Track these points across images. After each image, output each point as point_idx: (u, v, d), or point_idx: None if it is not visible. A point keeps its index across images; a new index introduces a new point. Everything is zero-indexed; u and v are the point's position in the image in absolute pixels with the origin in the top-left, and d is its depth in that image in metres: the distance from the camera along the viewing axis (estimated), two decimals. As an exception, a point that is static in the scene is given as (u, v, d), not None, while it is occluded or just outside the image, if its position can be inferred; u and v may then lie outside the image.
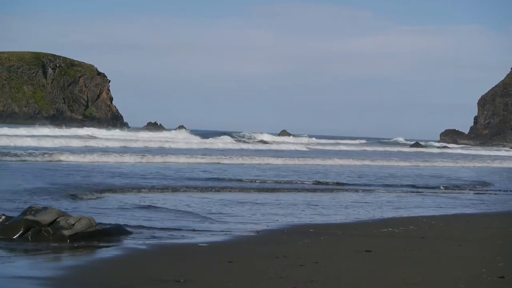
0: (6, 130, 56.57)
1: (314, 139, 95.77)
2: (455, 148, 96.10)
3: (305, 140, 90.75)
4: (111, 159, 33.26)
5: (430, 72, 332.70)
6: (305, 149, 66.99)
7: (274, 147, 66.06)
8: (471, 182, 29.16)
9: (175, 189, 20.53)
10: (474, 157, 64.78)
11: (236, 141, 74.30)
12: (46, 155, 31.60)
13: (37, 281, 8.36)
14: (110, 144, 49.83)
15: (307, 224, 14.11)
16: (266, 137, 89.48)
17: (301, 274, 8.97)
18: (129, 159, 34.08)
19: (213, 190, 21.00)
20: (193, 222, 13.89)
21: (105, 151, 38.99)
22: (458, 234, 13.27)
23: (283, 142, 78.19)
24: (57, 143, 45.25)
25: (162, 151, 44.28)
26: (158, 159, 35.40)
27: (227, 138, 76.04)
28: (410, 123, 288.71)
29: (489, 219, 16.30)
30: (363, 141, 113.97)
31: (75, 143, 46.39)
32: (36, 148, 37.63)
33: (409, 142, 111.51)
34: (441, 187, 25.75)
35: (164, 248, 10.76)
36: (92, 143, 48.31)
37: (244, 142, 74.17)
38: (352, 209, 17.44)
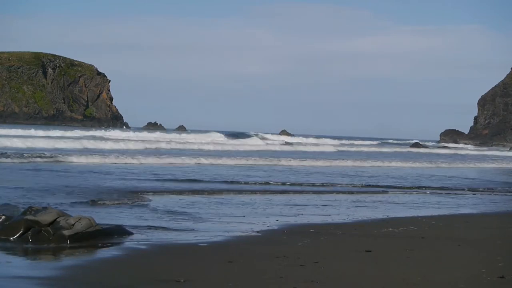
0: (20, 131, 57.11)
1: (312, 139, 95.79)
2: (470, 150, 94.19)
3: (329, 141, 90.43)
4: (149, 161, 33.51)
5: (430, 72, 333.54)
6: (334, 150, 66.89)
7: (303, 148, 66.04)
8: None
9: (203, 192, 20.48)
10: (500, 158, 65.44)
11: (264, 142, 74.53)
12: (91, 157, 32.12)
13: (37, 281, 8.36)
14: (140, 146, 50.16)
15: (307, 224, 14.10)
16: (284, 138, 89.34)
17: (301, 274, 8.97)
18: (187, 161, 34.70)
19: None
20: (193, 222, 13.90)
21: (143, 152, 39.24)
22: (458, 234, 13.27)
23: (307, 144, 78.05)
24: (90, 144, 45.72)
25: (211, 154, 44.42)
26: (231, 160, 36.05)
27: (256, 140, 76.40)
28: (410, 123, 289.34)
29: (488, 219, 16.30)
30: (376, 142, 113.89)
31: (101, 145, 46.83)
32: (62, 150, 37.77)
33: (425, 144, 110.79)
34: None
35: (164, 248, 10.77)
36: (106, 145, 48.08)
37: (269, 143, 74.33)
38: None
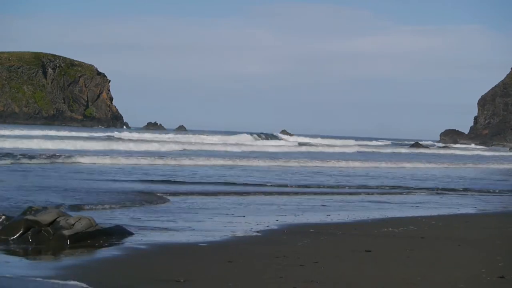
0: (41, 132, 57.36)
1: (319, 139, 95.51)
2: (484, 150, 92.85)
3: (351, 142, 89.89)
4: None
5: (430, 72, 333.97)
6: (354, 151, 66.65)
7: (328, 149, 65.59)
8: None
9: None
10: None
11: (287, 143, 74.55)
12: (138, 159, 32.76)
13: (37, 281, 8.36)
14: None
15: (307, 224, 14.10)
16: (297, 139, 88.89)
17: (301, 274, 8.97)
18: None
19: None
20: (193, 222, 13.90)
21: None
22: (457, 234, 13.27)
23: (323, 145, 77.55)
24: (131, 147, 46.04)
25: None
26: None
27: (278, 141, 76.56)
28: (410, 123, 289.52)
29: (488, 219, 16.29)
30: (388, 142, 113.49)
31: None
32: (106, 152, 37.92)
33: (437, 145, 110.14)
34: None
35: (164, 248, 10.77)
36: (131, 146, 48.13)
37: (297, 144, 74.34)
38: None
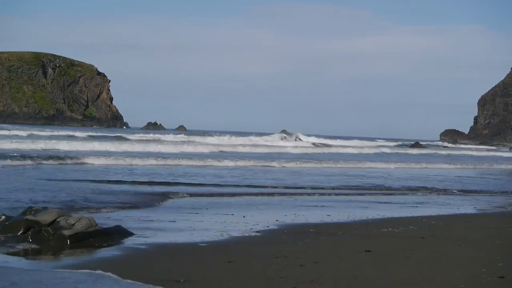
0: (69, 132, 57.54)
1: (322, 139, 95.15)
2: (495, 151, 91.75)
3: (368, 143, 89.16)
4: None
5: (430, 72, 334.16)
6: (373, 152, 66.27)
7: (348, 150, 64.94)
8: None
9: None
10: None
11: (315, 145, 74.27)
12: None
13: (37, 281, 8.35)
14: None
15: (307, 224, 14.10)
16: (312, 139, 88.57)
17: (301, 274, 8.97)
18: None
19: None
20: (193, 222, 13.91)
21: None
22: (457, 234, 13.27)
23: (344, 146, 76.72)
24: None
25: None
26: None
27: (304, 142, 76.55)
28: (410, 123, 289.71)
29: (488, 219, 16.30)
30: (397, 142, 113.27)
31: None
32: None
33: (450, 145, 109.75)
34: None
35: (164, 248, 10.77)
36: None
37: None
38: None
